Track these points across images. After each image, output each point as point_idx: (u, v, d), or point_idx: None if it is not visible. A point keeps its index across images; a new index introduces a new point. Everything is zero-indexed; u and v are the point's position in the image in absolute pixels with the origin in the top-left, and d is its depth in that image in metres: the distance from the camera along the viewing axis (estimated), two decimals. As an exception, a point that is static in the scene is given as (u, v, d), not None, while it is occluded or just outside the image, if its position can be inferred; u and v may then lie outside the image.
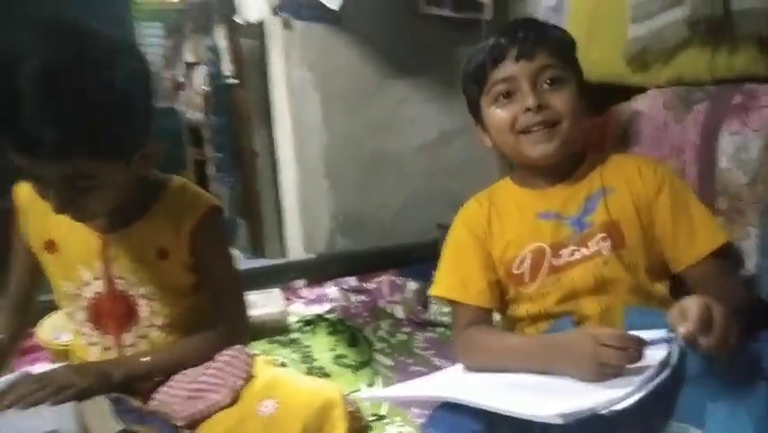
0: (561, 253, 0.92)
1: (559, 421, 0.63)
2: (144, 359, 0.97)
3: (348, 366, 1.32)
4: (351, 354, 1.37)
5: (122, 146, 0.87)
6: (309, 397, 0.86)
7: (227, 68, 2.92)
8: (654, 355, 0.73)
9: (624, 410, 0.66)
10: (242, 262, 2.75)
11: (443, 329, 1.51)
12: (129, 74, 0.86)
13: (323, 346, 1.41)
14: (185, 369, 0.97)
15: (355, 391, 1.20)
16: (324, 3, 1.87)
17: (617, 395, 0.67)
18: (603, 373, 0.73)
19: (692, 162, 1.07)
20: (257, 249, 2.91)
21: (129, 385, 0.94)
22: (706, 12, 1.02)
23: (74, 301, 0.99)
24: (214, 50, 3.10)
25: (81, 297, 0.98)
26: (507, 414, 0.68)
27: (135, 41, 0.89)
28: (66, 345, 1.24)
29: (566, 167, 0.96)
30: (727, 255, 0.90)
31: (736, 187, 1.00)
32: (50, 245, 0.97)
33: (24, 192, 0.98)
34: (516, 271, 0.95)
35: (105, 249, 0.97)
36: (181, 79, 3.91)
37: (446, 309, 1.58)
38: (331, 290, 1.78)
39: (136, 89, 0.88)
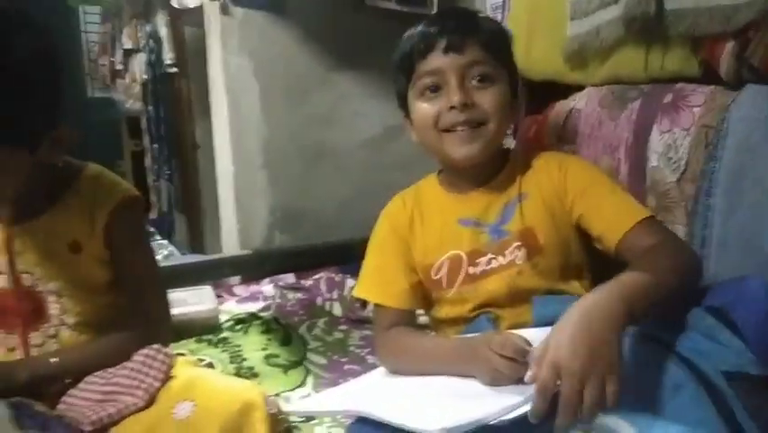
0: (478, 261, 0.91)
1: None
2: (53, 360, 0.90)
3: (279, 366, 1.27)
4: (283, 354, 1.32)
5: (21, 132, 0.81)
6: (228, 398, 0.81)
7: (168, 56, 2.81)
8: None
9: (516, 420, 0.64)
10: (177, 258, 2.66)
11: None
12: (28, 52, 0.79)
13: (254, 346, 1.36)
14: (97, 370, 0.90)
15: (284, 392, 1.16)
16: (264, -11, 1.81)
17: (509, 403, 0.66)
18: (497, 378, 0.72)
19: (624, 160, 1.07)
20: (196, 245, 2.82)
21: (35, 388, 0.87)
22: (639, 10, 1.02)
23: None
24: (154, 36, 2.98)
25: None
26: (399, 427, 0.68)
27: (37, 15, 0.82)
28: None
29: (488, 170, 0.95)
30: (656, 231, 0.86)
31: (664, 185, 1.00)
32: None
33: None
34: (434, 277, 0.93)
35: (10, 242, 0.90)
36: (119, 67, 3.75)
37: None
38: (267, 287, 1.73)
39: (38, 69, 0.81)
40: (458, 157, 0.90)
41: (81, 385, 0.90)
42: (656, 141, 1.02)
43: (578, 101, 1.23)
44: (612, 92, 1.15)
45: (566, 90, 1.28)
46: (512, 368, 0.70)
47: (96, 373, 0.90)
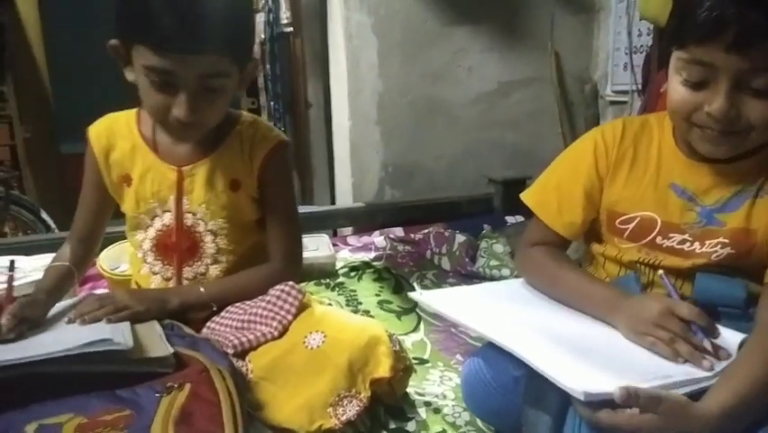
0: (671, 236, 0.83)
1: (580, 398, 0.62)
2: (201, 289, 1.00)
3: (392, 311, 1.32)
4: (395, 300, 1.37)
5: (246, 48, 0.95)
6: (356, 332, 0.86)
7: (285, 15, 2.90)
8: (731, 339, 0.71)
9: None
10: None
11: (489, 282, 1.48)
12: None
13: (368, 291, 1.42)
14: (239, 301, 0.99)
15: (400, 336, 1.20)
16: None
17: (654, 383, 0.64)
18: (650, 346, 0.71)
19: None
20: (307, 198, 2.94)
21: (184, 313, 0.98)
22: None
23: (143, 231, 1.03)
24: (273, -4, 3.08)
25: (151, 227, 1.02)
26: (539, 371, 0.67)
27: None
28: (124, 276, 1.30)
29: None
30: None
31: None
32: (127, 179, 1.02)
33: (101, 130, 1.03)
34: (618, 226, 0.88)
35: (181, 181, 1.00)
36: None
37: (494, 263, 1.55)
38: (378, 239, 1.78)
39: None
40: (703, 152, 0.81)
41: (224, 314, 0.99)
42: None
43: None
44: None
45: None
46: (672, 354, 0.70)
47: (236, 304, 0.99)
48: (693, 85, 0.75)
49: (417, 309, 1.32)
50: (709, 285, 0.79)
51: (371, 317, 1.27)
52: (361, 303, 1.36)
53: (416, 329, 1.25)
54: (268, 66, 3.37)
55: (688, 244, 0.82)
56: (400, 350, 0.90)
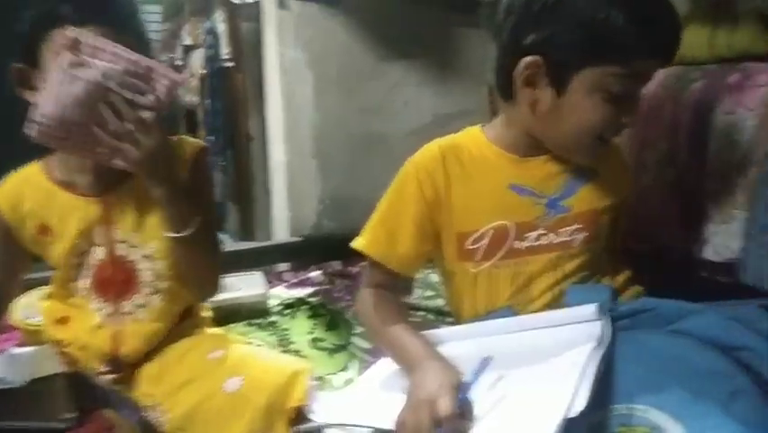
0: (526, 236, 0.83)
1: None
2: None
3: (324, 349, 1.28)
4: (328, 337, 1.33)
5: None
6: (277, 371, 0.84)
7: (225, 51, 2.88)
8: (586, 332, 0.70)
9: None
10: (229, 245, 2.72)
11: (424, 313, 1.47)
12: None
13: (301, 329, 1.38)
14: None
15: (328, 375, 1.16)
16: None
17: (568, 394, 0.62)
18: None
19: (685, 143, 1.03)
20: (247, 234, 2.88)
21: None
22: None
23: (77, 272, 0.96)
24: (212, 32, 3.07)
25: (87, 268, 0.96)
26: None
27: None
28: (37, 326, 1.21)
29: None
30: None
31: (726, 168, 0.95)
32: (45, 229, 0.95)
33: (6, 189, 0.96)
34: (469, 247, 0.84)
35: (108, 211, 0.94)
36: (179, 63, 3.87)
37: (429, 293, 1.54)
38: (315, 273, 1.75)
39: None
40: (586, 162, 0.84)
41: None
42: (718, 123, 0.97)
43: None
44: (674, 74, 1.10)
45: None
46: None
47: None
48: (616, 98, 0.75)
49: (350, 347, 1.29)
50: (579, 296, 0.78)
51: (302, 356, 1.23)
52: (293, 342, 1.31)
53: (346, 368, 1.21)
54: (207, 101, 3.35)
55: (544, 237, 0.82)
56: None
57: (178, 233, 0.88)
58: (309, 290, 1.64)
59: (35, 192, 0.95)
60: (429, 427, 0.65)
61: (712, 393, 0.61)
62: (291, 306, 1.50)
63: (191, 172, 0.97)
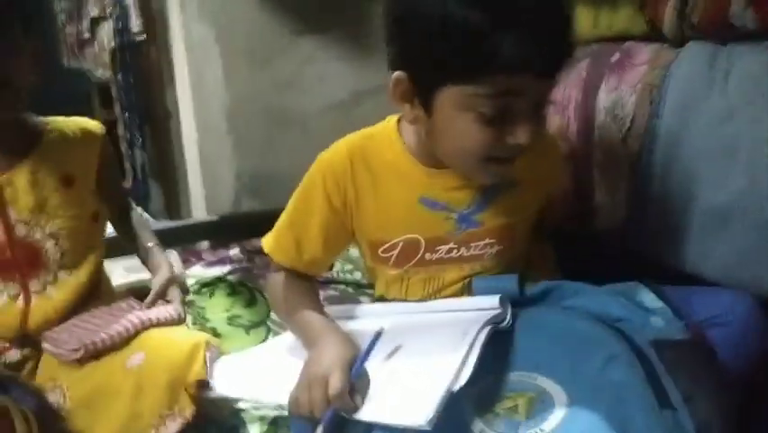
0: (438, 249, 0.82)
1: (429, 428, 0.61)
2: None
3: (241, 326, 1.29)
4: (246, 315, 1.34)
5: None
6: (178, 347, 0.85)
7: (135, 23, 2.75)
8: (484, 315, 0.74)
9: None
10: (152, 224, 2.65)
11: (344, 286, 1.50)
12: None
13: (218, 308, 1.37)
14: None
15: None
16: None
17: (453, 369, 0.66)
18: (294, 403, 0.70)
19: (574, 119, 1.10)
20: (172, 212, 2.80)
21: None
22: (589, -32, 1.02)
23: None
24: (121, 3, 2.92)
25: None
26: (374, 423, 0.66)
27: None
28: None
29: None
30: None
31: (611, 142, 1.03)
32: None
33: None
34: (382, 254, 0.85)
35: (1, 192, 0.91)
36: (86, 35, 3.66)
37: (349, 267, 1.57)
38: (234, 251, 1.74)
39: None
40: (491, 181, 0.79)
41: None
42: (604, 99, 1.04)
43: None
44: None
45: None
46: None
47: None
48: (491, 119, 0.68)
49: (268, 321, 1.31)
50: (484, 286, 0.81)
51: (218, 334, 1.24)
52: (208, 320, 1.31)
53: (264, 342, 1.23)
54: (119, 76, 3.20)
55: (455, 251, 0.82)
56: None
57: None
58: (228, 267, 1.63)
59: None
60: (322, 404, 0.67)
61: (591, 359, 0.68)
62: (209, 284, 1.49)
63: (104, 157, 1.02)
